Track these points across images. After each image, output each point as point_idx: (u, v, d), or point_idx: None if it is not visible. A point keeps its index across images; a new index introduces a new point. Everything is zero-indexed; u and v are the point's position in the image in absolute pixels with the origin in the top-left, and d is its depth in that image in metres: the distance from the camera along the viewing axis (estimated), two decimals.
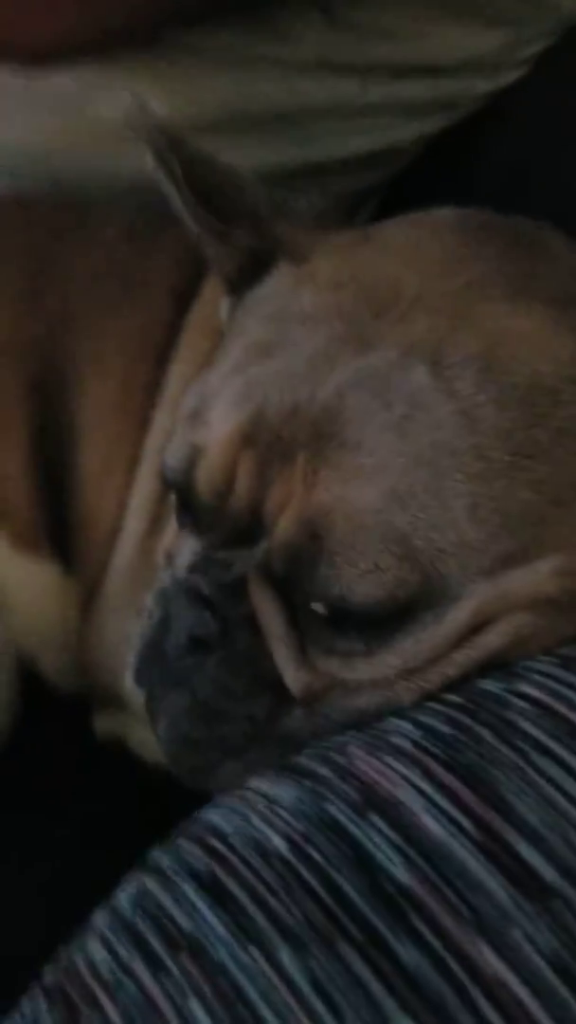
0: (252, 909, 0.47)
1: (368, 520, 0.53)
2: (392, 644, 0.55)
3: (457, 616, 0.54)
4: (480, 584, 0.54)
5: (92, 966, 0.49)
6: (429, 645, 0.55)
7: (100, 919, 0.52)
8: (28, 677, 0.78)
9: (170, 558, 0.63)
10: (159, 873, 0.52)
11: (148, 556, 0.73)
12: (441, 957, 0.43)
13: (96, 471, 0.76)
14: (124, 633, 0.70)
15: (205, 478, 0.57)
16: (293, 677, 0.56)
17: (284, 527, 0.55)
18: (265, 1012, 0.44)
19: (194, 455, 0.58)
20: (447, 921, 0.44)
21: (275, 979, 0.45)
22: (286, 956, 0.45)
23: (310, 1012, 0.43)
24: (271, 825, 0.51)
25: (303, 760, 0.54)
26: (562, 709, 0.51)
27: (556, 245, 0.62)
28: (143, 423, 0.75)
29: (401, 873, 0.46)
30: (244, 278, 0.63)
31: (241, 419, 0.56)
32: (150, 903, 0.50)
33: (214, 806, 0.54)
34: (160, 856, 0.53)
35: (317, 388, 0.55)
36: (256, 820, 0.51)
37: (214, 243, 0.62)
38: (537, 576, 0.54)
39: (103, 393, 0.75)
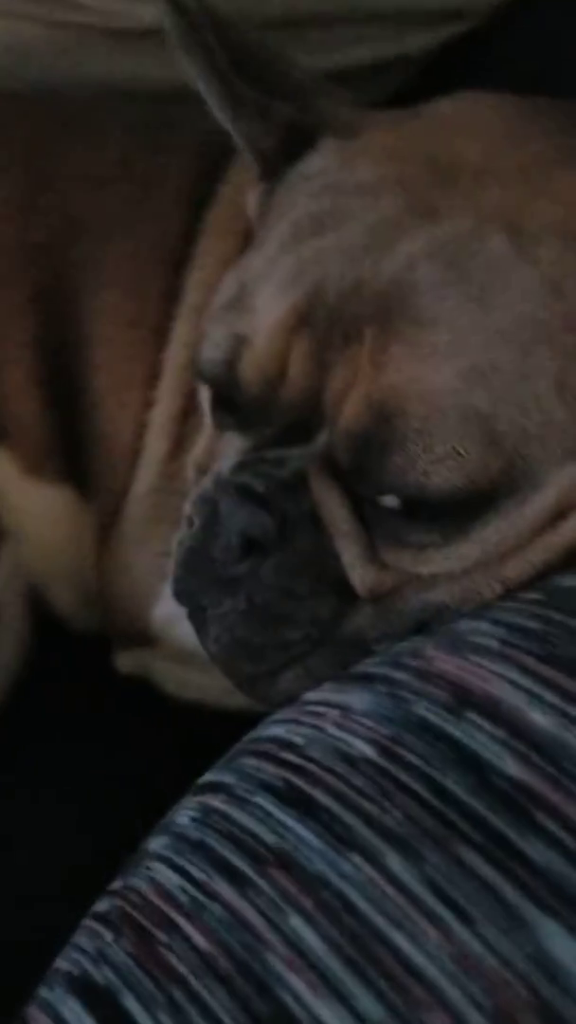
0: (347, 816, 0.43)
1: (446, 401, 0.49)
2: (470, 534, 0.51)
3: (541, 502, 0.51)
4: (566, 468, 0.50)
5: (163, 891, 0.44)
6: (510, 534, 0.51)
7: (158, 844, 0.47)
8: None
9: (203, 470, 0.58)
10: (224, 791, 0.47)
11: (172, 481, 0.68)
12: (574, 851, 0.39)
13: (111, 388, 0.71)
14: (146, 564, 0.65)
15: (253, 366, 0.53)
16: (361, 575, 0.52)
17: (350, 412, 0.50)
18: (378, 921, 0.39)
19: (237, 345, 0.53)
20: (574, 812, 0.40)
21: (386, 886, 0.40)
22: (395, 862, 0.41)
23: (433, 918, 0.39)
24: (351, 732, 0.46)
25: (372, 667, 0.50)
26: None
27: None
28: (161, 335, 0.70)
29: (514, 768, 0.42)
30: (284, 157, 0.58)
31: (296, 298, 0.52)
32: (220, 822, 0.45)
33: (275, 721, 0.50)
34: (220, 774, 0.48)
35: (383, 260, 0.51)
36: (332, 728, 0.47)
37: (251, 118, 0.58)
38: None
39: (114, 303, 0.70)
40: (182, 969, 0.41)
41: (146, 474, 0.70)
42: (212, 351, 0.54)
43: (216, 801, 0.47)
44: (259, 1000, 0.39)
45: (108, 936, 0.44)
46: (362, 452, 0.50)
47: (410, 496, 0.50)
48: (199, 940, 0.41)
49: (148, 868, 0.46)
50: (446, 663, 0.47)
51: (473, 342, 0.49)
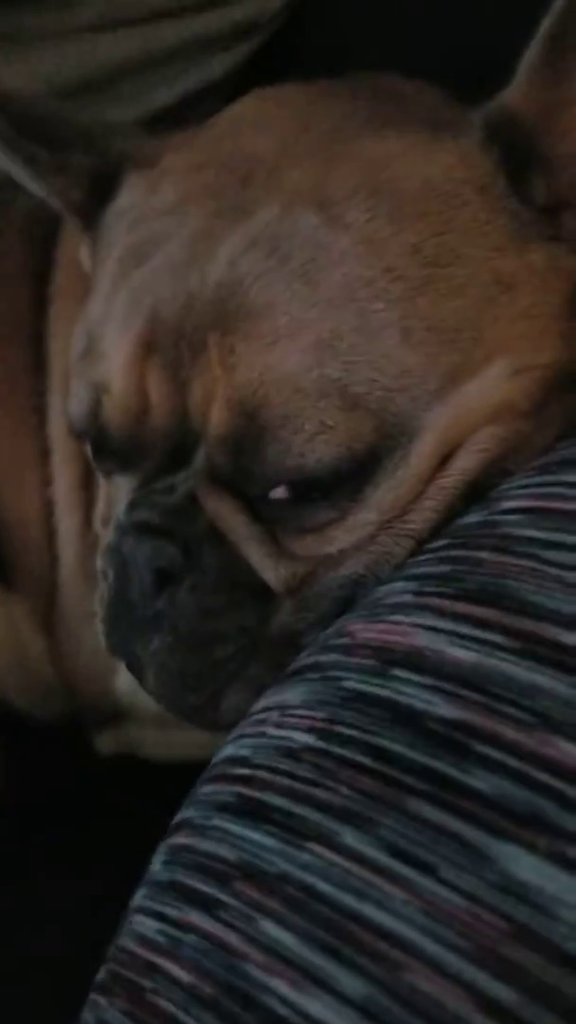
0: (298, 808, 0.41)
1: (301, 381, 0.48)
2: (364, 499, 0.50)
3: (422, 450, 0.50)
4: (435, 409, 0.50)
5: (144, 940, 0.43)
6: (403, 489, 0.50)
7: (138, 897, 0.45)
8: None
9: (107, 521, 0.58)
10: (188, 827, 0.46)
11: (95, 550, 0.67)
12: (519, 770, 0.38)
13: (4, 474, 0.70)
14: (94, 639, 0.64)
15: (116, 408, 0.52)
16: (274, 572, 0.51)
17: (217, 419, 0.50)
18: (346, 899, 0.38)
19: (97, 393, 0.53)
20: (511, 734, 0.39)
21: (347, 863, 0.39)
22: (351, 837, 0.39)
23: (396, 879, 0.37)
24: (290, 727, 0.45)
25: (303, 659, 0.49)
26: (553, 504, 0.47)
27: (415, 87, 0.59)
28: (38, 411, 0.70)
29: (446, 709, 0.41)
30: (96, 203, 0.58)
31: (137, 329, 0.52)
32: (185, 856, 0.44)
33: (228, 743, 0.48)
34: (184, 811, 0.47)
35: (207, 268, 0.50)
36: (272, 730, 0.46)
37: (53, 175, 0.58)
38: (490, 384, 0.50)
39: None
40: (171, 1008, 0.39)
41: (68, 551, 0.70)
42: (77, 406, 0.54)
43: (181, 838, 0.45)
44: (245, 1014, 0.37)
45: (103, 1002, 0.42)
46: (239, 453, 0.50)
47: (295, 481, 0.50)
48: (181, 974, 0.40)
49: (131, 923, 0.44)
50: (368, 631, 0.46)
51: (310, 317, 0.49)
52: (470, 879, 0.36)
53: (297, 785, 0.42)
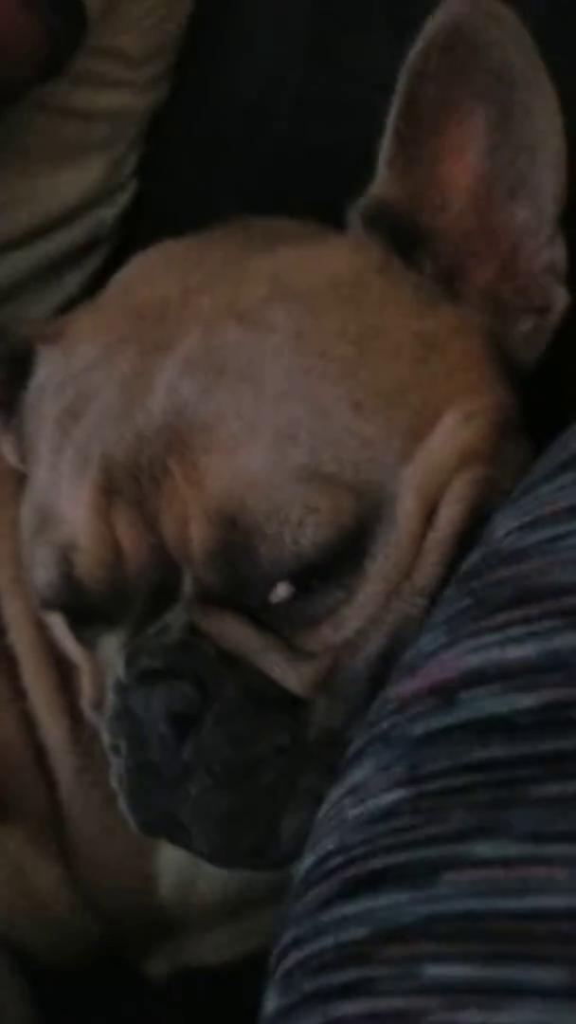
0: (413, 854, 0.38)
1: (272, 475, 0.49)
2: (366, 572, 0.50)
3: (405, 510, 0.50)
4: (406, 469, 0.51)
5: None
6: (400, 552, 0.50)
7: None
8: None
9: (98, 705, 0.55)
10: (296, 945, 0.41)
11: (92, 758, 0.62)
12: None
13: None
14: (121, 846, 0.60)
15: (90, 563, 0.51)
16: (297, 677, 0.50)
17: (198, 536, 0.49)
18: (507, 903, 0.34)
19: (65, 553, 0.52)
20: None
21: (491, 872, 0.35)
22: (484, 848, 0.36)
23: (550, 860, 0.34)
24: (371, 798, 0.42)
25: (357, 744, 0.46)
26: (544, 511, 0.47)
27: (276, 219, 0.62)
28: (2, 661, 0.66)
29: (530, 700, 0.39)
30: (13, 389, 0.59)
31: (92, 477, 0.51)
32: (303, 966, 0.40)
33: (305, 854, 0.44)
34: (286, 933, 0.42)
35: (147, 402, 0.51)
36: (353, 811, 0.42)
37: None
38: (448, 433, 0.52)
39: None
40: None
41: (64, 761, 0.65)
42: (45, 574, 0.53)
43: (294, 956, 0.41)
44: None
45: None
46: (230, 564, 0.49)
47: (295, 572, 0.49)
48: None
49: None
50: (414, 683, 0.44)
51: (263, 415, 0.49)
52: None
53: (405, 836, 0.39)
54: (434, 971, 0.35)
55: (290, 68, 0.81)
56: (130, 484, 0.51)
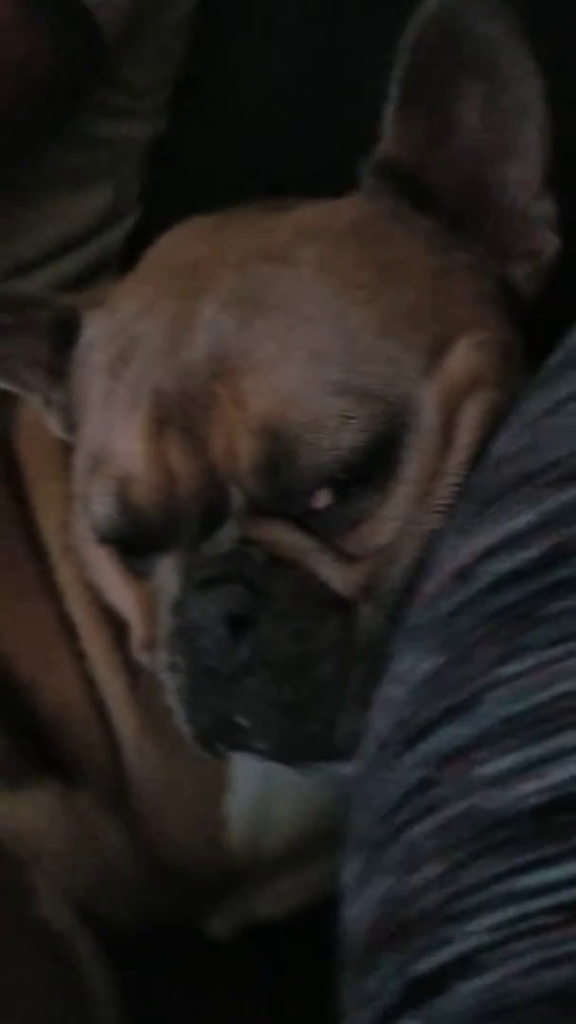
0: None
1: (309, 389, 0.55)
2: (398, 475, 0.56)
3: (429, 419, 0.56)
4: (427, 385, 0.57)
5: None
6: (426, 458, 0.56)
7: None
8: None
9: (150, 646, 0.60)
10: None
11: (152, 712, 0.66)
12: None
13: (35, 665, 0.70)
14: (189, 798, 0.64)
15: (146, 489, 0.56)
16: (342, 578, 0.55)
17: (245, 450, 0.55)
18: None
19: (122, 484, 0.57)
20: None
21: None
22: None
23: None
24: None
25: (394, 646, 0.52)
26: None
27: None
28: (50, 592, 0.71)
29: None
30: (63, 350, 0.64)
31: (145, 409, 0.57)
32: None
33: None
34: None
35: (192, 337, 0.57)
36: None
37: (16, 335, 0.65)
38: (461, 357, 0.58)
39: None
40: None
41: (126, 715, 0.69)
42: (103, 506, 0.58)
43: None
44: None
45: None
46: (275, 474, 0.55)
47: (334, 475, 0.55)
48: None
49: None
50: (438, 576, 0.51)
51: (295, 338, 0.56)
52: None
53: (448, 686, 0.45)
54: (489, 768, 0.41)
55: (286, 95, 0.89)
56: (179, 413, 0.56)
